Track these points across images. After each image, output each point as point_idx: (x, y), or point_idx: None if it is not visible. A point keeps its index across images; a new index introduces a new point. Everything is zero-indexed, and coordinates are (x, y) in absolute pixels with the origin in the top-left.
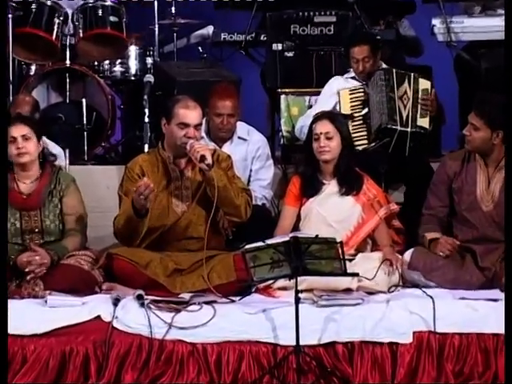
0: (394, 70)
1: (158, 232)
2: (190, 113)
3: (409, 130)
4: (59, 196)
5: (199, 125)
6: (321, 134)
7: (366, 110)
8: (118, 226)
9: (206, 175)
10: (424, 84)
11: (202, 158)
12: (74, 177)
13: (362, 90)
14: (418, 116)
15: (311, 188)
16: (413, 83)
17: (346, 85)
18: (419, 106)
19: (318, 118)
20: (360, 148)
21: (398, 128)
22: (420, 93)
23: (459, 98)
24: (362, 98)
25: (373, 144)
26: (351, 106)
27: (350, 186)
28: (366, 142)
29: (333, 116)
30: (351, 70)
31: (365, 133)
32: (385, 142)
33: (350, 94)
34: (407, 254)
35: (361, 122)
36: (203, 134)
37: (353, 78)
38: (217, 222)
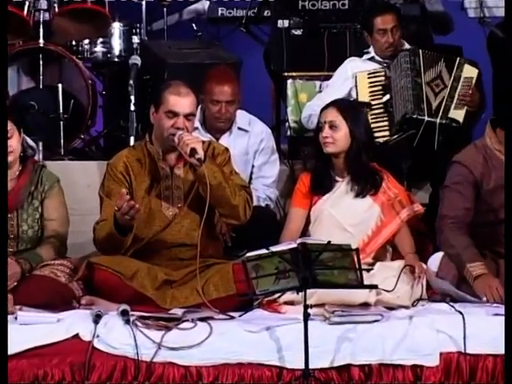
0: (421, 51)
1: (144, 239)
2: (180, 100)
3: (437, 120)
4: (40, 198)
5: (191, 115)
6: (325, 122)
7: (387, 96)
8: (98, 237)
9: (197, 172)
10: (469, 72)
11: (192, 152)
12: (58, 176)
13: (382, 74)
14: (452, 107)
15: (322, 185)
16: (456, 69)
17: (364, 67)
18: (456, 96)
19: (326, 105)
20: (380, 140)
21: (426, 118)
22: (461, 81)
23: (493, 82)
24: (383, 83)
25: (395, 136)
26: (370, 92)
27: (365, 185)
28: (387, 133)
29: (342, 103)
30: (370, 49)
31: (386, 123)
32: (409, 135)
33: (369, 78)
34: (434, 260)
35: (381, 110)
36: (198, 125)
37: (371, 59)
38: (213, 227)
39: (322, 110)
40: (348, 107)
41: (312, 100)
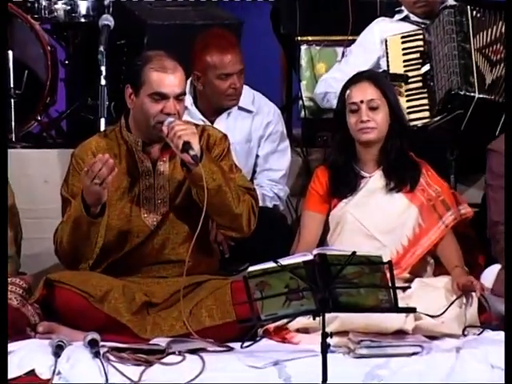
0: (470, 8)
1: (118, 253)
2: (167, 77)
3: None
4: None
5: (182, 94)
6: (361, 102)
7: (426, 66)
8: (60, 240)
9: (190, 172)
10: None
11: (186, 147)
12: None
13: (420, 37)
14: None
15: (344, 184)
16: None
17: (396, 29)
18: None
19: (354, 79)
20: (418, 123)
21: (476, 95)
22: None
23: None
24: (421, 49)
25: (437, 118)
26: (405, 61)
27: (401, 178)
28: (426, 114)
29: (376, 76)
30: (403, 7)
31: (425, 101)
32: (455, 116)
33: (404, 43)
34: (488, 275)
35: (419, 84)
36: (187, 103)
37: (404, 19)
38: (206, 234)
39: (350, 84)
40: (385, 80)
41: (329, 71)
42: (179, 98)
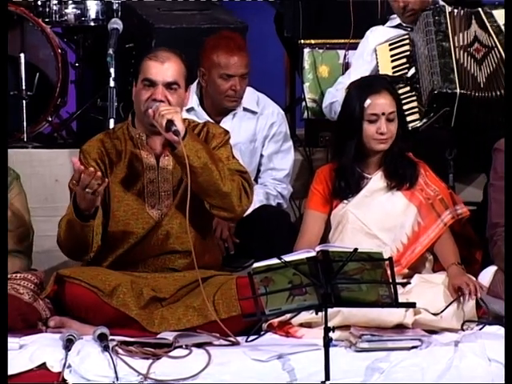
0: (447, 7)
1: (125, 246)
2: (158, 66)
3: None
4: None
5: (174, 84)
6: (383, 114)
7: (412, 70)
8: (59, 234)
9: (175, 151)
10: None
11: (169, 124)
12: (17, 173)
13: (407, 42)
14: None
15: (349, 186)
16: (487, 20)
17: (388, 37)
18: None
19: (374, 88)
20: (409, 126)
21: (458, 91)
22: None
23: None
24: (408, 54)
25: (425, 120)
26: (393, 67)
27: (401, 178)
28: (416, 116)
29: (391, 86)
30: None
31: (414, 104)
32: (443, 114)
33: (392, 50)
34: (485, 275)
35: (407, 88)
36: (194, 105)
37: (398, 26)
38: (209, 227)
39: (371, 93)
40: (395, 88)
41: (334, 85)
42: (171, 87)
